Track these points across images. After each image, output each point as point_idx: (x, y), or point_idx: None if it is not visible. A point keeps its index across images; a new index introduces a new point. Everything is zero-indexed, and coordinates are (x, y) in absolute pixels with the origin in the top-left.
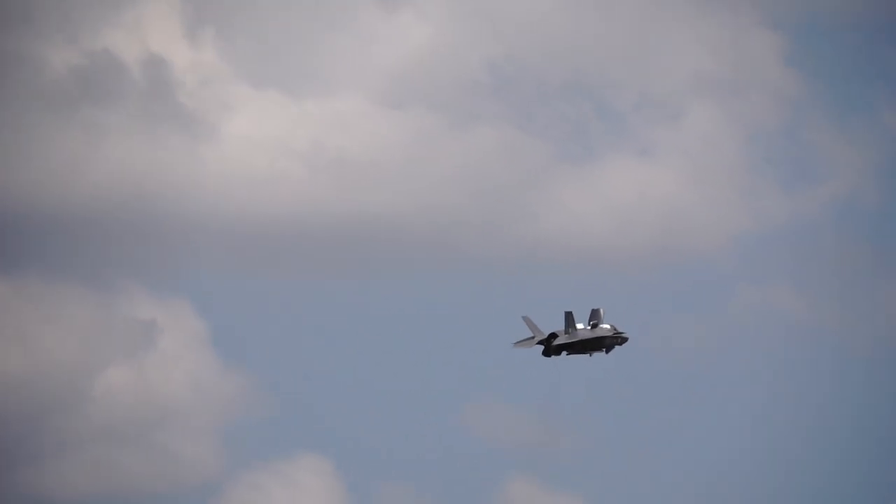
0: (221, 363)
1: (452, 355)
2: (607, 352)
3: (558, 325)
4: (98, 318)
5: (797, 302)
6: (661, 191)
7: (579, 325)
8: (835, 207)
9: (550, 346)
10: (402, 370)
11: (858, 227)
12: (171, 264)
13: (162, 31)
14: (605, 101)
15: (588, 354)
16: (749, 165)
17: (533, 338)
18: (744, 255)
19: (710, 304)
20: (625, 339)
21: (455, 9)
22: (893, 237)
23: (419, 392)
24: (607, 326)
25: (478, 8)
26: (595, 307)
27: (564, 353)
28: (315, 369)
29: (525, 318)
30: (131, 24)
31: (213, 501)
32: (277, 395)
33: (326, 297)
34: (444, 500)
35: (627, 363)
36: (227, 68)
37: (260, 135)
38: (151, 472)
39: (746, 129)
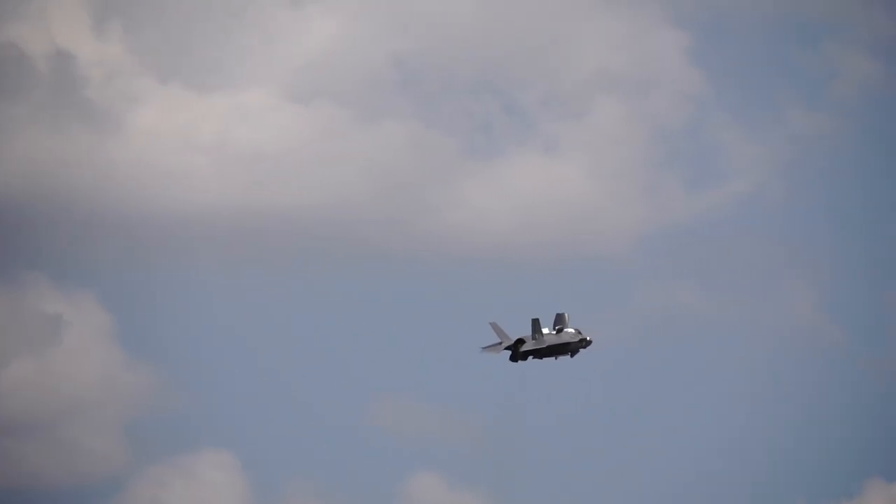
0: (127, 357)
1: (358, 348)
2: (572, 355)
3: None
4: (4, 312)
5: (700, 298)
6: (565, 187)
7: (545, 330)
8: (738, 205)
9: (517, 352)
10: (308, 364)
11: (761, 224)
12: (78, 258)
13: (68, 24)
14: (510, 97)
15: (554, 358)
16: (653, 163)
17: (500, 343)
18: (647, 253)
19: (613, 300)
20: (588, 343)
21: (361, 3)
22: (796, 233)
23: (325, 386)
24: (572, 331)
25: (384, 3)
26: (560, 312)
27: (531, 357)
28: (221, 363)
29: (492, 325)
30: (37, 17)
31: (118, 496)
32: (183, 389)
33: (232, 290)
34: (348, 495)
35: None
36: (133, 62)
37: (166, 129)
38: (56, 465)
39: (650, 127)
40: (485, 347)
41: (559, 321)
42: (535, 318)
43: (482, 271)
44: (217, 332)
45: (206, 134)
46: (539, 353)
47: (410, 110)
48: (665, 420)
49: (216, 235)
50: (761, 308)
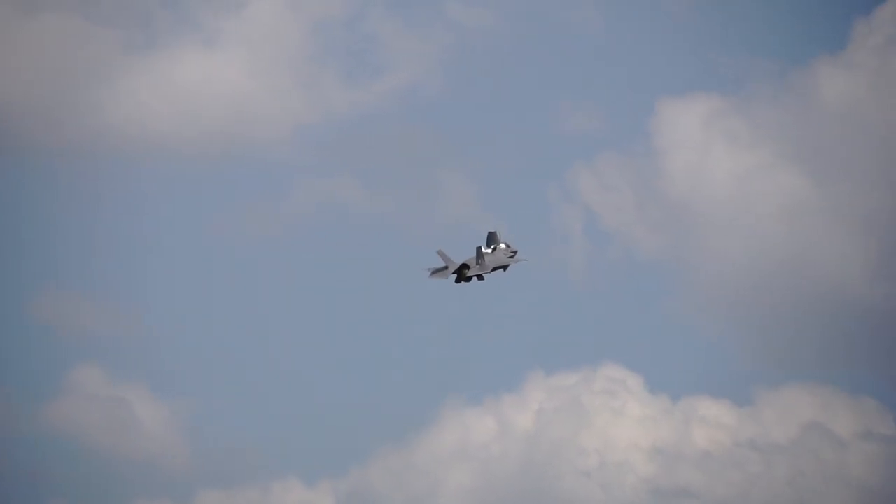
0: None
1: (25, 243)
2: (505, 270)
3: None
4: None
5: (359, 192)
6: (225, 81)
7: (483, 249)
8: (397, 98)
9: (462, 276)
10: None
11: (420, 117)
12: None
13: None
14: None
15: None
16: (312, 57)
17: (446, 268)
18: (305, 147)
19: (273, 194)
20: (515, 252)
21: None
22: (455, 126)
23: None
24: (504, 246)
25: None
26: (491, 230)
27: (475, 279)
28: None
29: (439, 252)
30: None
31: None
32: None
33: None
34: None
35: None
36: None
37: None
38: None
39: (310, 20)
40: (432, 273)
41: (492, 240)
42: (479, 245)
43: (143, 167)
44: None
45: None
46: (480, 276)
47: (69, 3)
48: (327, 312)
49: None
50: (422, 203)
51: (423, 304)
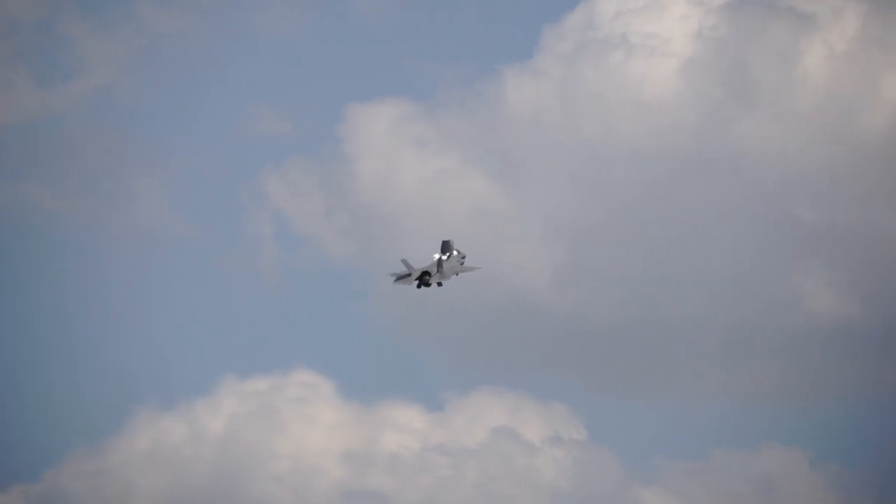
0: None
1: None
2: (457, 274)
3: None
4: None
5: (48, 195)
6: None
7: (435, 256)
8: (88, 100)
9: (424, 282)
10: None
11: (112, 119)
12: None
13: None
14: None
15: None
16: (2, 58)
17: (409, 275)
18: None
19: None
20: (465, 258)
21: None
22: (146, 129)
23: None
24: (456, 253)
25: None
26: (445, 239)
27: (435, 284)
28: None
29: (403, 261)
30: None
31: None
32: None
33: None
34: None
35: None
36: None
37: None
38: None
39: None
40: (396, 279)
41: (446, 248)
42: (440, 256)
43: None
44: None
45: None
46: (440, 283)
47: None
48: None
49: None
50: (113, 206)
51: (115, 308)
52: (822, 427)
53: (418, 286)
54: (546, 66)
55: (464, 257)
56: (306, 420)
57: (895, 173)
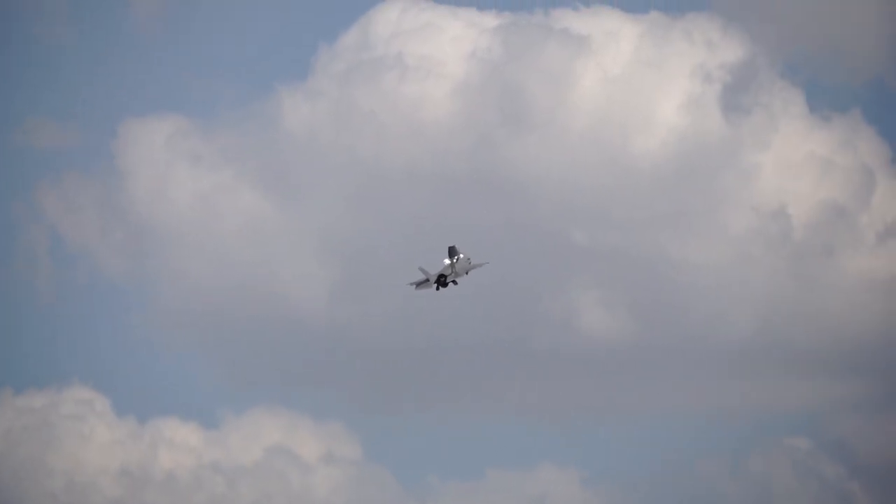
0: None
1: None
2: (468, 272)
3: None
4: None
5: None
6: None
7: (446, 261)
8: None
9: (442, 283)
10: None
11: None
12: None
13: None
14: None
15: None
16: None
17: (428, 280)
18: None
19: None
20: (470, 259)
21: None
22: None
23: None
24: (463, 256)
25: None
26: (451, 245)
27: (451, 283)
28: None
29: (421, 269)
30: None
31: None
32: None
33: None
34: None
35: None
36: None
37: None
38: None
39: None
40: (417, 287)
41: (453, 252)
42: (447, 259)
43: None
44: None
45: None
46: (455, 281)
47: None
48: None
49: None
50: None
51: None
52: (597, 447)
53: (437, 288)
54: (321, 86)
55: (469, 258)
56: (82, 436)
57: (668, 195)
